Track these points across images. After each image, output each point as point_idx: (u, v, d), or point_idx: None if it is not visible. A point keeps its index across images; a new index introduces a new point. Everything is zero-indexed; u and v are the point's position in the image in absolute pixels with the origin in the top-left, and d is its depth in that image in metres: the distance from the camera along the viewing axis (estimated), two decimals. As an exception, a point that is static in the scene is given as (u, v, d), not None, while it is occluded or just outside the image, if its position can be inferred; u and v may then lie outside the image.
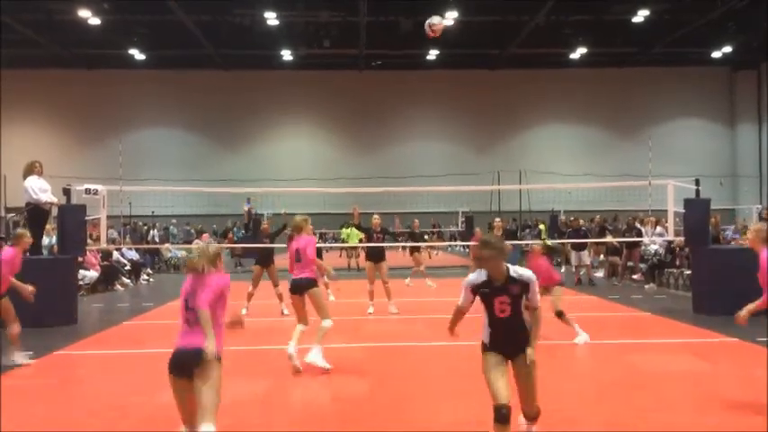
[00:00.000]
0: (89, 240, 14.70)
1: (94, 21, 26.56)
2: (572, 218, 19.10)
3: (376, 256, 12.66)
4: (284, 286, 12.40)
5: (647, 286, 16.25)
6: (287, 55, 32.99)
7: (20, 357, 8.11)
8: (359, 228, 13.39)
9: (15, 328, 8.04)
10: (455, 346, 9.27)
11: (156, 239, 25.31)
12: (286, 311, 11.90)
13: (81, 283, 14.98)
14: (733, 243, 17.69)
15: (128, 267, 18.88)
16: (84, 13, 25.65)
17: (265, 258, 12.58)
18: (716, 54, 33.78)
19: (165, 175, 32.29)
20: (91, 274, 16.20)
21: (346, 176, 32.20)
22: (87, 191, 12.85)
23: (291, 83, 35.39)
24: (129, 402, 6.59)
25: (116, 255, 18.46)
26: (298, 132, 36.72)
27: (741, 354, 8.51)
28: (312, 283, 7.74)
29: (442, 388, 7.12)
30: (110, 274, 17.34)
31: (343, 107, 36.23)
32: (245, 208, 13.07)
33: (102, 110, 34.88)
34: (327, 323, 7.64)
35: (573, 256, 17.95)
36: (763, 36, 30.73)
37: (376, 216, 12.98)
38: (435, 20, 9.80)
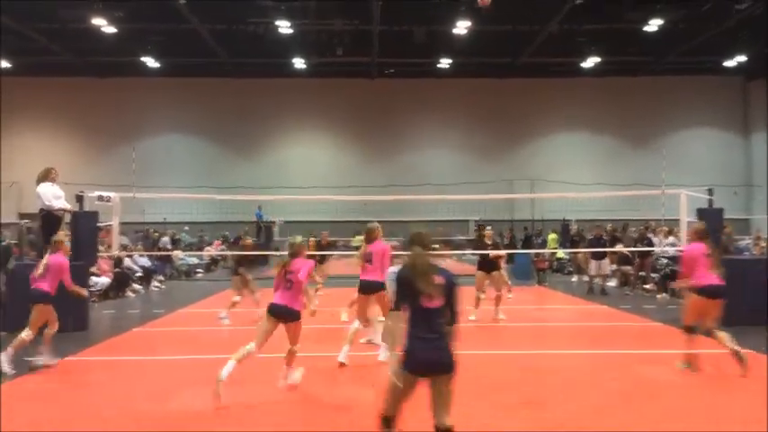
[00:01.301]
0: (100, 247, 14.78)
1: (109, 29, 26.79)
2: (597, 224, 18.83)
3: None
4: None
5: (659, 296, 16.14)
6: (299, 63, 33.13)
7: (47, 359, 8.42)
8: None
9: (52, 330, 8.52)
10: (463, 355, 9.29)
11: (168, 246, 25.43)
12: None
13: (93, 289, 15.06)
14: (746, 253, 17.57)
15: (139, 274, 18.96)
16: (98, 21, 25.89)
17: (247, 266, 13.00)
18: (729, 63, 33.61)
19: (177, 182, 32.42)
20: (103, 281, 16.28)
21: (358, 184, 32.25)
22: (100, 198, 12.95)
23: (304, 91, 35.50)
24: (140, 409, 6.61)
25: (128, 261, 18.55)
26: (309, 140, 36.80)
27: (753, 365, 8.43)
28: (381, 285, 8.33)
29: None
30: (121, 280, 17.42)
31: (355, 115, 36.30)
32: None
33: (116, 117, 35.12)
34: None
35: (592, 265, 17.55)
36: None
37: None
38: None
